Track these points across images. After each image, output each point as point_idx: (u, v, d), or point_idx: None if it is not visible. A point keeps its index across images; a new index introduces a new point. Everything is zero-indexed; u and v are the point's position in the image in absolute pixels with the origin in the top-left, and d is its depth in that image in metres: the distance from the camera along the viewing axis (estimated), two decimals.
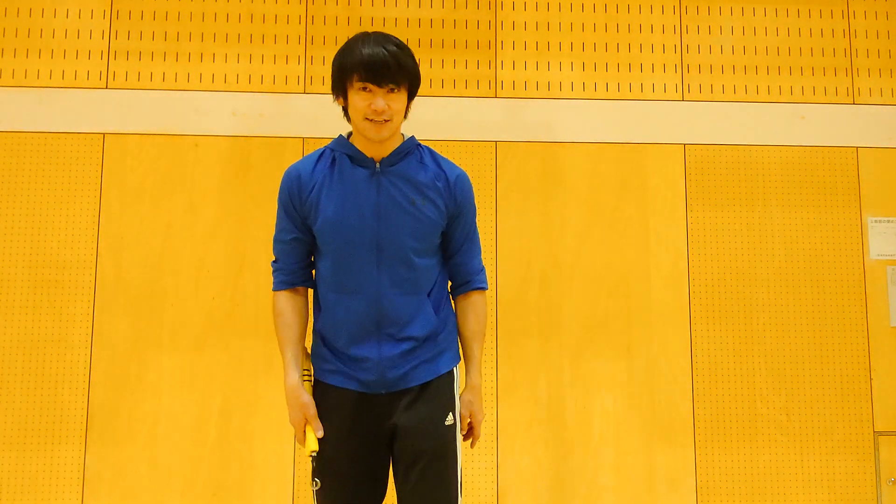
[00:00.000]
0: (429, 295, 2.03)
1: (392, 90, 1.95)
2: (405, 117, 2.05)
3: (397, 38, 1.98)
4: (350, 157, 2.03)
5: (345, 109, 2.05)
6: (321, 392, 2.05)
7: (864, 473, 3.58)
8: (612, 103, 3.77)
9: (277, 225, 2.11)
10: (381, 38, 1.95)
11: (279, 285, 2.11)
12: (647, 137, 3.74)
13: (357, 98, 1.95)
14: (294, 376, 2.04)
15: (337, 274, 2.00)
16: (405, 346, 1.99)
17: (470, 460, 3.47)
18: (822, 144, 3.78)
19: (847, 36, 3.88)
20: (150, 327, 3.48)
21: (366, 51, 1.91)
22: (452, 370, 2.08)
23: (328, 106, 3.65)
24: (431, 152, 2.10)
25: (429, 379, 2.01)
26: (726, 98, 3.81)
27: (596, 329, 3.60)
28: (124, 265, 3.52)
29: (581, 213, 3.67)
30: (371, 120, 1.95)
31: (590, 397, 3.56)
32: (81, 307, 3.48)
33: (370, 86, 1.93)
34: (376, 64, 1.90)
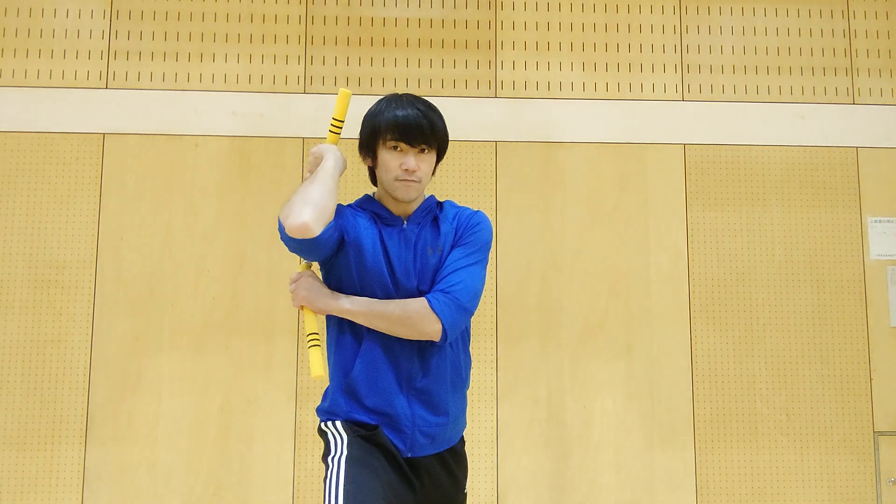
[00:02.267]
0: None
1: (423, 150, 1.97)
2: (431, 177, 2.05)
3: (428, 101, 2.00)
4: (379, 217, 2.01)
5: (371, 170, 2.06)
6: None
7: (864, 473, 3.58)
8: (612, 103, 3.77)
9: None
10: (413, 99, 1.98)
11: None
12: (647, 137, 3.74)
13: (388, 157, 1.95)
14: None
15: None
16: None
17: (471, 460, 3.46)
18: (822, 144, 3.78)
19: (847, 36, 3.88)
20: (150, 327, 3.48)
21: (399, 112, 1.93)
22: None
23: (328, 106, 3.66)
24: (451, 204, 2.10)
25: None
26: (726, 98, 3.81)
27: (596, 329, 3.60)
28: (124, 265, 3.52)
29: (581, 213, 3.67)
30: (402, 180, 1.95)
31: (590, 397, 3.56)
32: (81, 307, 3.48)
33: (402, 145, 1.94)
34: (410, 124, 1.92)
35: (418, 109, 1.95)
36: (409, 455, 1.94)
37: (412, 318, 1.89)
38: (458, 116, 3.66)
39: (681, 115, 3.77)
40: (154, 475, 3.41)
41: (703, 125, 3.77)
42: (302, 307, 1.98)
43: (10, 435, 3.40)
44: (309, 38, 3.74)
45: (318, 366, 1.89)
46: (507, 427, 3.52)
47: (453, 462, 2.04)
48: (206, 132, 3.62)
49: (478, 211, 2.08)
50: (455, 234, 2.00)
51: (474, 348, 3.53)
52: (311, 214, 1.81)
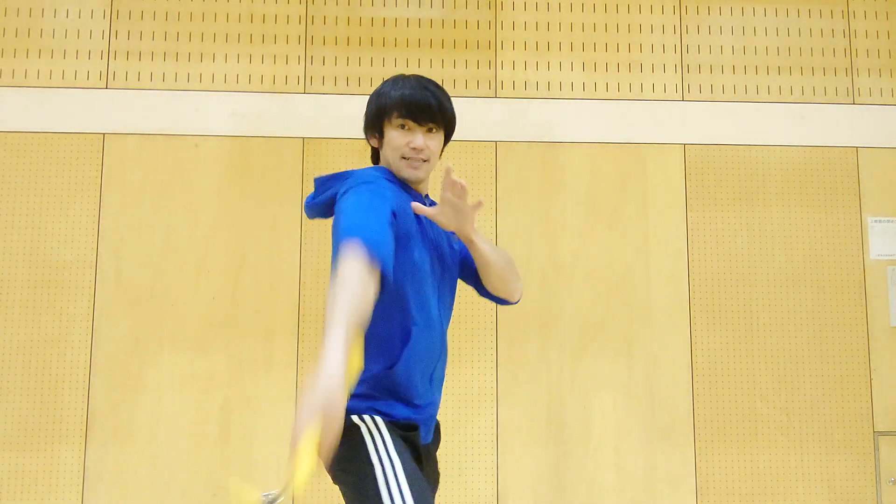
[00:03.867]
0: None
1: (431, 130, 1.93)
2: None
3: (437, 82, 1.97)
4: (405, 190, 1.92)
5: (375, 151, 2.00)
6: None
7: (864, 473, 3.58)
8: (612, 103, 3.77)
9: (366, 197, 1.74)
10: (422, 79, 1.95)
11: (366, 247, 1.59)
12: (647, 137, 3.74)
13: (395, 135, 1.90)
14: (339, 364, 1.45)
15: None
16: None
17: (470, 460, 3.47)
18: (822, 144, 3.78)
19: (847, 36, 3.88)
20: (150, 327, 3.48)
21: (407, 90, 1.90)
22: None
23: (328, 106, 3.67)
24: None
25: None
26: (726, 98, 3.81)
27: (596, 329, 3.60)
28: (124, 265, 3.52)
29: (581, 213, 3.67)
30: (408, 158, 1.91)
31: (590, 397, 3.56)
32: (81, 307, 3.48)
33: (410, 123, 1.90)
34: (418, 102, 1.89)
35: (427, 88, 1.92)
36: (426, 442, 1.89)
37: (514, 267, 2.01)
38: (459, 116, 3.64)
39: (681, 115, 3.77)
40: (154, 475, 3.41)
41: (703, 125, 3.77)
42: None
43: (10, 435, 3.40)
44: (309, 38, 3.74)
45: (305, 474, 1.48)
46: (507, 427, 3.52)
47: (438, 440, 2.01)
48: (206, 132, 3.62)
49: None
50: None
51: (474, 348, 3.53)
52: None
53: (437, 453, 1.99)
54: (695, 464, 3.55)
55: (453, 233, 1.91)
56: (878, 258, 3.70)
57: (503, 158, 3.68)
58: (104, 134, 3.60)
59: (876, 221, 3.73)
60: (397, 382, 1.79)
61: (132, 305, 3.49)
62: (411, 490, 1.66)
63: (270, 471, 3.43)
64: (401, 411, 1.80)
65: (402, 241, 1.77)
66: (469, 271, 2.03)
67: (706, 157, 3.74)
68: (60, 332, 3.46)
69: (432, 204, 1.93)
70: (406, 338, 1.80)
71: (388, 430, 1.77)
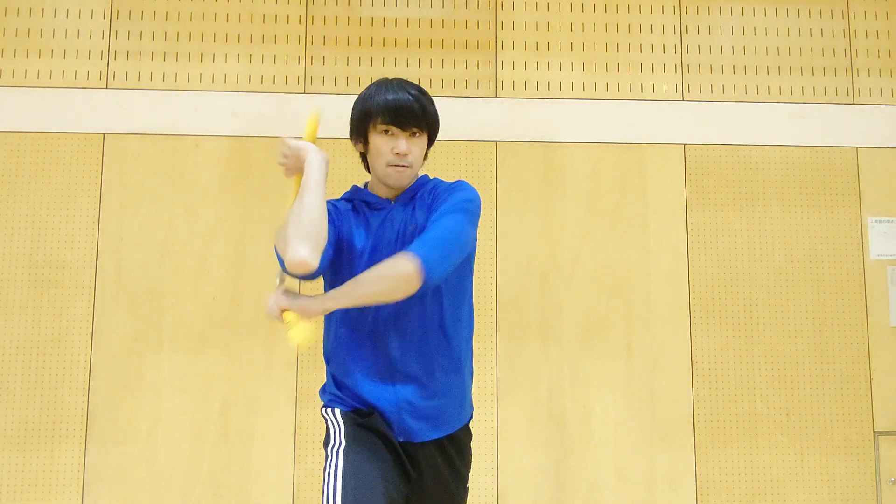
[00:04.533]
0: None
1: (414, 134, 1.94)
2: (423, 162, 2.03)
3: (419, 85, 1.98)
4: (367, 203, 2.01)
5: (363, 156, 2.04)
6: None
7: (864, 473, 3.58)
8: (612, 103, 3.77)
9: None
10: (404, 83, 1.96)
11: None
12: (647, 137, 3.74)
13: (380, 141, 1.93)
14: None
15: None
16: None
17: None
18: (822, 144, 3.78)
19: (847, 36, 3.88)
20: (150, 327, 3.48)
21: (389, 95, 1.91)
22: None
23: (328, 106, 3.66)
24: (438, 181, 2.05)
25: None
26: (726, 98, 3.81)
27: (596, 329, 3.60)
28: (124, 265, 3.52)
29: (581, 213, 3.67)
30: (394, 165, 1.93)
31: (590, 397, 3.56)
32: (81, 307, 3.48)
33: (393, 129, 1.92)
34: (401, 107, 1.90)
35: (409, 93, 1.93)
36: (402, 440, 1.90)
37: (386, 270, 1.79)
38: (458, 116, 3.66)
39: (681, 115, 3.77)
40: (154, 475, 3.41)
41: (703, 125, 3.77)
42: (282, 311, 1.86)
43: (10, 435, 3.40)
44: (309, 38, 3.74)
45: (302, 336, 1.79)
46: (507, 427, 3.52)
47: (454, 451, 2.00)
48: (206, 132, 3.62)
49: (460, 180, 2.02)
50: (432, 202, 1.95)
51: (474, 348, 3.51)
52: (308, 250, 1.78)
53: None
54: (695, 464, 3.55)
55: (418, 218, 1.93)
56: (878, 258, 3.70)
57: (503, 158, 3.68)
58: (104, 134, 3.60)
59: (876, 221, 3.73)
60: (343, 377, 1.94)
61: (132, 305, 3.49)
62: (343, 490, 1.77)
63: (270, 471, 3.44)
64: (354, 400, 1.92)
65: (342, 260, 1.94)
66: None
67: (706, 157, 3.74)
68: (60, 332, 3.46)
69: (398, 209, 1.96)
70: (339, 339, 1.95)
71: (344, 421, 1.91)
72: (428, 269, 1.77)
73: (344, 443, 1.87)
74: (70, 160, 3.57)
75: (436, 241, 1.82)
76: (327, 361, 2.01)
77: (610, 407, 3.56)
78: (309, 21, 3.75)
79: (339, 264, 1.95)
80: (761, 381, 3.61)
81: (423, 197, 1.98)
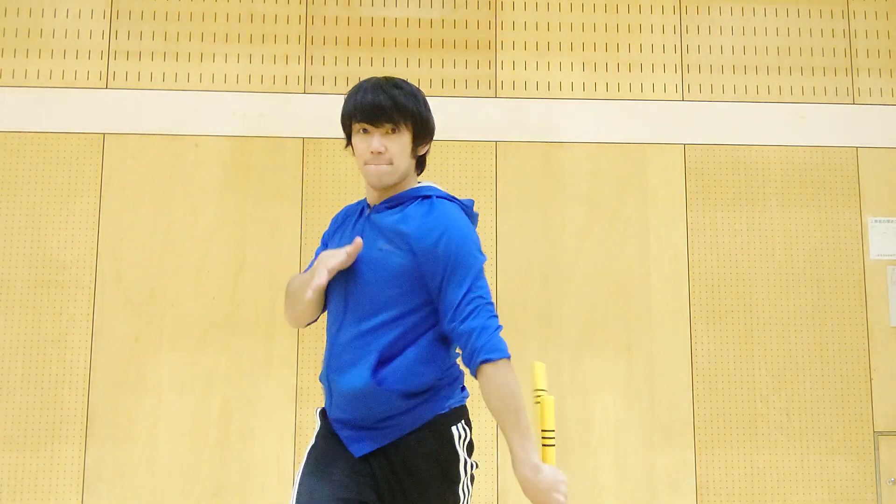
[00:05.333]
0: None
1: (394, 131, 1.87)
2: (421, 166, 1.99)
3: (404, 82, 1.92)
4: (363, 210, 2.00)
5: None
6: None
7: (864, 473, 3.58)
8: (612, 103, 3.77)
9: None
10: (383, 82, 1.91)
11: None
12: (647, 137, 3.74)
13: (358, 141, 1.91)
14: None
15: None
16: None
17: None
18: (822, 144, 3.78)
19: (847, 36, 3.88)
20: (150, 327, 3.48)
21: (360, 95, 1.89)
22: None
23: (328, 106, 3.67)
24: (436, 205, 1.91)
25: None
26: (726, 98, 3.81)
27: (596, 329, 3.60)
28: (124, 265, 3.52)
29: (581, 213, 3.67)
30: (371, 164, 1.89)
31: (590, 397, 3.56)
32: (81, 307, 3.48)
33: (368, 126, 1.88)
34: (371, 104, 1.87)
35: (382, 89, 1.88)
36: (358, 454, 1.84)
37: (508, 388, 1.94)
38: (458, 116, 3.66)
39: (681, 115, 3.77)
40: (154, 475, 3.41)
41: (703, 125, 3.77)
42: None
43: (10, 435, 3.40)
44: (309, 38, 3.74)
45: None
46: None
47: (412, 461, 1.86)
48: (206, 132, 3.62)
49: (447, 224, 1.86)
50: (422, 254, 1.82)
51: None
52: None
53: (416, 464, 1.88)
54: (695, 464, 3.54)
55: (387, 239, 1.86)
56: (878, 258, 3.70)
57: (503, 158, 3.68)
58: (104, 134, 3.60)
59: (876, 221, 3.73)
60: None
61: (132, 305, 3.49)
62: (300, 486, 1.81)
63: (270, 471, 3.44)
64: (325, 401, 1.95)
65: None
66: None
67: (706, 157, 3.74)
68: (60, 332, 3.46)
69: (374, 216, 1.91)
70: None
71: (321, 418, 1.95)
72: (507, 353, 1.90)
73: (313, 441, 1.92)
74: (70, 160, 3.57)
75: (490, 329, 1.90)
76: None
77: (610, 406, 3.56)
78: (309, 21, 3.75)
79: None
80: (761, 381, 3.61)
81: (409, 220, 1.86)
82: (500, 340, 1.90)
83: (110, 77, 3.66)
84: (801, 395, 3.61)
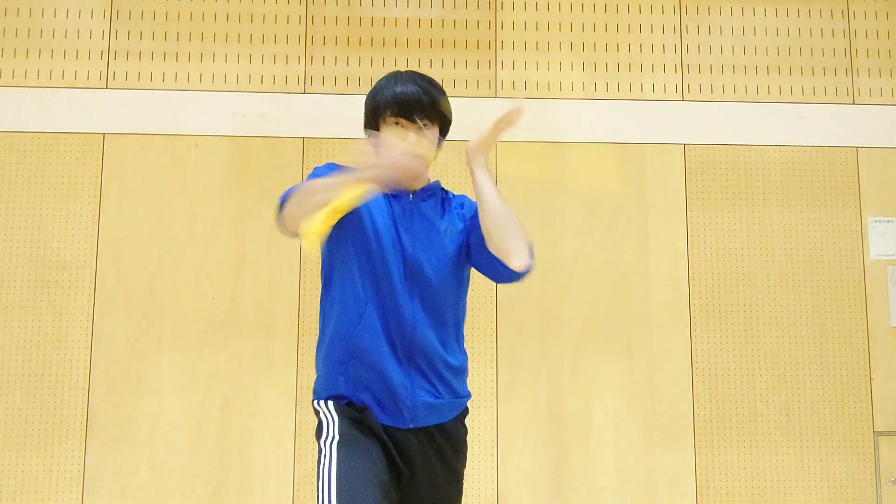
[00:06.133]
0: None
1: (425, 126, 1.95)
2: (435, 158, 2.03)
3: (431, 77, 1.99)
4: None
5: None
6: None
7: (864, 473, 3.58)
8: (612, 103, 3.77)
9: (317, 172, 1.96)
10: (415, 76, 1.97)
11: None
12: (647, 137, 3.74)
13: (390, 133, 1.93)
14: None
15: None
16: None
17: (470, 460, 3.46)
18: (822, 144, 3.78)
19: (847, 36, 3.88)
20: (150, 327, 3.48)
21: (398, 88, 1.92)
22: None
23: (328, 106, 3.67)
24: (455, 195, 2.12)
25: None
26: (726, 98, 3.81)
27: (596, 329, 3.60)
28: (124, 265, 3.52)
29: (581, 213, 3.67)
30: None
31: (590, 397, 3.56)
32: (81, 307, 3.48)
33: (402, 121, 1.92)
34: (409, 100, 1.91)
35: (418, 85, 1.94)
36: (412, 426, 1.88)
37: (518, 227, 2.01)
38: (458, 116, 3.64)
39: (681, 115, 3.77)
40: (154, 475, 3.41)
41: (703, 125, 3.77)
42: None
43: (10, 435, 3.40)
44: (309, 38, 3.74)
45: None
46: (507, 427, 3.52)
47: (447, 445, 1.98)
48: (206, 132, 3.62)
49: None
50: (465, 218, 2.03)
51: (474, 348, 3.52)
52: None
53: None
54: (695, 464, 3.55)
55: (444, 223, 1.97)
56: (878, 258, 3.70)
57: (503, 158, 3.68)
58: (104, 134, 3.60)
59: (876, 221, 3.73)
60: (350, 361, 1.88)
61: (132, 305, 3.49)
62: (338, 483, 1.75)
63: (270, 471, 3.44)
64: (349, 391, 1.88)
65: (353, 222, 1.88)
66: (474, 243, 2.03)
67: (706, 157, 3.74)
68: (60, 332, 3.46)
69: (416, 202, 1.98)
70: (360, 312, 1.89)
71: (337, 414, 1.87)
72: (530, 266, 2.02)
73: (337, 437, 1.85)
74: (70, 160, 3.57)
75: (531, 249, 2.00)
76: (334, 339, 1.93)
77: (610, 407, 3.56)
78: (309, 21, 3.75)
79: (359, 226, 1.91)
80: (761, 381, 3.61)
81: (451, 205, 2.04)
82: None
83: (110, 77, 3.66)
84: (801, 395, 3.61)
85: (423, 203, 1.99)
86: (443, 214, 2.02)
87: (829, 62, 3.86)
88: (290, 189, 1.94)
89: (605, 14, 3.83)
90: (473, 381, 3.52)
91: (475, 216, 2.01)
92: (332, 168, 1.92)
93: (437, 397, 1.94)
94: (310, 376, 3.48)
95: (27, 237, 3.51)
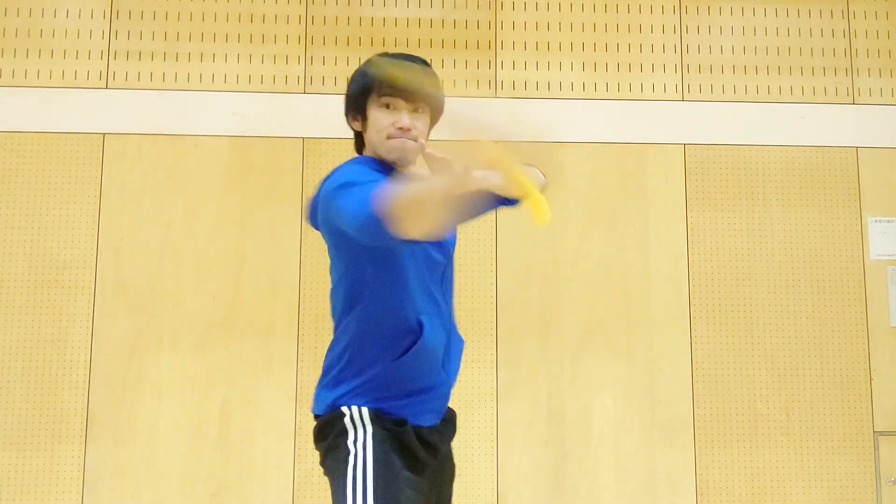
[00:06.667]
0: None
1: (418, 110, 1.80)
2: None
3: (424, 59, 1.86)
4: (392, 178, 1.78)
5: (358, 135, 1.89)
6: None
7: (864, 473, 3.58)
8: (612, 103, 3.77)
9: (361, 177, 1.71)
10: (409, 56, 1.85)
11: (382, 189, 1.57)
12: (647, 137, 3.74)
13: (380, 115, 1.79)
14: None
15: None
16: None
17: (470, 460, 3.47)
18: (822, 144, 3.78)
19: (847, 36, 3.88)
20: (150, 327, 3.48)
21: (388, 67, 1.78)
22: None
23: (328, 106, 3.67)
24: None
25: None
26: (726, 98, 3.81)
27: (596, 329, 3.60)
28: (124, 265, 3.52)
29: (581, 213, 3.67)
30: (396, 138, 1.77)
31: (590, 397, 3.56)
32: (81, 307, 3.48)
33: (396, 101, 1.78)
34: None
35: (416, 64, 1.82)
36: (427, 424, 1.80)
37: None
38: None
39: (681, 115, 3.77)
40: (154, 475, 3.41)
41: (703, 125, 3.77)
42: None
43: (10, 435, 3.40)
44: (309, 38, 3.74)
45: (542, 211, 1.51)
46: (507, 427, 3.52)
47: (451, 430, 1.94)
48: (206, 132, 3.62)
49: None
50: None
51: (475, 348, 3.52)
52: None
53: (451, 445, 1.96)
54: (695, 464, 3.55)
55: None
56: (878, 258, 3.70)
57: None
58: (104, 134, 3.60)
59: (876, 221, 3.73)
60: (400, 375, 1.75)
61: (132, 305, 3.49)
62: (375, 485, 1.64)
63: (270, 471, 3.44)
64: (391, 403, 1.76)
65: None
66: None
67: (706, 157, 3.74)
68: (60, 332, 3.46)
69: None
70: (417, 331, 1.75)
71: (372, 421, 1.73)
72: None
73: (371, 441, 1.71)
74: (70, 160, 3.57)
75: None
76: (380, 351, 1.77)
77: (610, 407, 3.56)
78: (309, 21, 3.75)
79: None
80: (761, 381, 3.61)
81: None
82: None
83: (110, 77, 3.66)
84: (801, 395, 3.61)
85: None
86: None
87: (829, 62, 3.86)
88: (374, 195, 1.58)
89: (605, 14, 3.83)
90: (473, 381, 3.54)
91: None
92: (370, 171, 1.71)
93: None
94: (309, 376, 3.49)
95: (27, 237, 3.51)
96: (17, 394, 3.42)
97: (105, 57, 3.67)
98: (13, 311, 3.47)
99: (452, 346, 1.87)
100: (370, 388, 1.76)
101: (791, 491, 3.55)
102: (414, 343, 1.75)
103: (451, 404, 1.94)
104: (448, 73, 3.72)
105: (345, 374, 1.80)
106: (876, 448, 3.59)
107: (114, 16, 3.69)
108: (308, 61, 3.72)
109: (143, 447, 3.42)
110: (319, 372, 1.91)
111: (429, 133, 1.89)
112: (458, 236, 2.06)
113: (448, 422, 1.91)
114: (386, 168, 1.82)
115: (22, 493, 3.37)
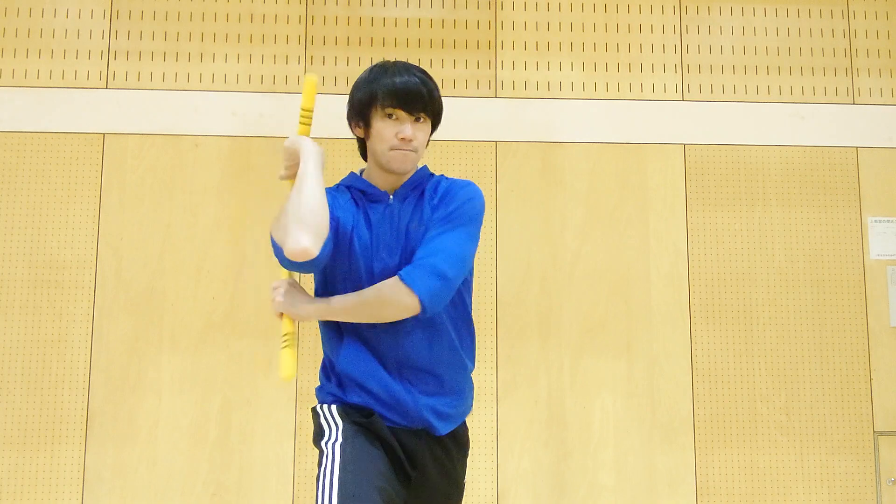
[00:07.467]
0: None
1: (419, 119, 1.87)
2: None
3: (422, 68, 1.93)
4: (364, 193, 1.93)
5: (361, 142, 1.97)
6: None
7: (864, 473, 3.58)
8: (612, 103, 3.77)
9: None
10: (409, 66, 1.90)
11: None
12: (647, 137, 3.74)
13: (383, 125, 1.86)
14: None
15: None
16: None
17: (470, 460, 3.46)
18: (822, 144, 3.78)
19: (847, 36, 3.88)
20: (150, 327, 3.48)
21: (396, 78, 1.85)
22: None
23: (328, 106, 3.66)
24: (446, 178, 1.98)
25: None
26: (726, 98, 3.81)
27: (596, 329, 3.60)
28: (124, 265, 3.52)
29: (581, 213, 3.67)
30: (398, 149, 1.85)
31: (590, 397, 3.56)
32: (81, 307, 3.48)
33: (399, 113, 1.85)
34: (409, 91, 1.84)
35: (416, 76, 1.87)
36: (419, 426, 1.86)
37: (386, 296, 1.77)
38: (458, 116, 3.66)
39: (681, 115, 3.77)
40: (154, 475, 3.41)
41: (703, 125, 3.77)
42: (281, 314, 1.92)
43: (10, 435, 3.40)
44: (309, 38, 3.74)
45: (289, 367, 1.83)
46: (507, 427, 3.52)
47: (455, 448, 1.98)
48: (206, 132, 3.62)
49: (469, 182, 1.94)
50: (438, 205, 1.89)
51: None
52: (309, 237, 1.72)
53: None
54: (695, 464, 3.55)
55: (424, 218, 1.88)
56: (878, 258, 3.70)
57: (503, 158, 3.68)
58: (104, 134, 3.60)
59: (876, 221, 3.73)
60: (346, 376, 1.88)
61: (132, 305, 3.49)
62: (340, 487, 1.72)
63: (270, 471, 3.44)
64: (353, 396, 1.87)
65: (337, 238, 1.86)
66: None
67: (706, 157, 3.74)
68: (60, 332, 3.46)
69: (397, 204, 1.90)
70: (339, 341, 1.89)
71: (342, 418, 1.86)
72: (429, 303, 1.78)
73: (341, 439, 1.82)
74: (70, 160, 3.57)
75: (436, 270, 1.78)
76: (331, 359, 1.93)
77: (610, 407, 3.56)
78: (309, 21, 3.75)
79: (337, 255, 1.88)
80: (761, 381, 3.61)
81: (429, 195, 1.91)
82: (433, 284, 1.84)
83: (110, 77, 3.66)
84: (801, 395, 3.61)
85: (402, 203, 1.91)
86: (424, 212, 1.90)
87: (829, 62, 3.86)
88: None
89: (605, 14, 3.83)
90: (473, 381, 3.53)
91: (436, 206, 1.89)
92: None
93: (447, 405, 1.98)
94: (309, 376, 3.49)
95: (27, 237, 3.51)
96: (17, 394, 3.42)
97: (105, 57, 3.67)
98: (13, 311, 3.47)
99: (419, 365, 1.88)
100: (336, 385, 1.90)
101: (791, 491, 3.55)
102: (340, 344, 1.90)
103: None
104: (448, 73, 3.72)
105: (322, 375, 1.97)
106: (876, 448, 3.59)
107: (114, 16, 3.69)
108: (308, 61, 3.72)
109: (143, 447, 3.42)
110: (340, 366, 1.97)
111: (428, 141, 1.97)
112: None
113: (439, 443, 1.93)
114: (362, 186, 1.94)
115: (22, 493, 3.37)
